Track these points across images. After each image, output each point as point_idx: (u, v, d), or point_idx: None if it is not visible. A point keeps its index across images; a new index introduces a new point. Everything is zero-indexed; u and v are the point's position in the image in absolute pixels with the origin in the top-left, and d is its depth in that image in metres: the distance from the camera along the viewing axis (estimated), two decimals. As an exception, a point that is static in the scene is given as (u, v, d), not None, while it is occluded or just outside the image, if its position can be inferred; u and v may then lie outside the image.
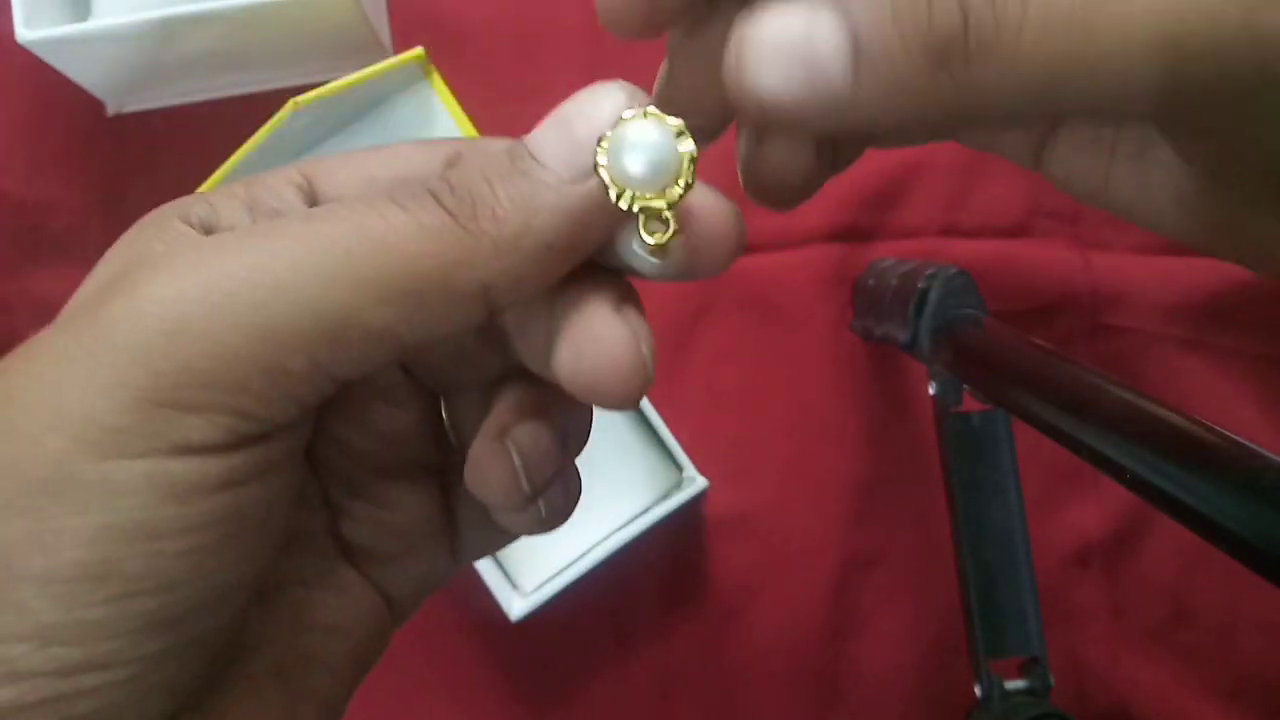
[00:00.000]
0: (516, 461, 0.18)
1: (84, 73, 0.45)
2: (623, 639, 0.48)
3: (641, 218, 0.16)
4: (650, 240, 0.16)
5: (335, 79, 0.41)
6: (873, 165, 0.49)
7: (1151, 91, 0.13)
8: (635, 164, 0.15)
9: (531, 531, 0.20)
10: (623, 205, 0.15)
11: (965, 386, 0.40)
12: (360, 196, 0.16)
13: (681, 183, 0.15)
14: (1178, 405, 0.27)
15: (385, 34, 0.49)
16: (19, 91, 0.48)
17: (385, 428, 0.20)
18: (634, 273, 0.17)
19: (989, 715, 0.38)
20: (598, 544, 0.43)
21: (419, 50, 0.42)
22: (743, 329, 0.49)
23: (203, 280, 0.14)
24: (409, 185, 0.16)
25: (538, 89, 0.49)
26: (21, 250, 0.48)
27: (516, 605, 0.41)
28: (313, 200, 0.18)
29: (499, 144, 0.17)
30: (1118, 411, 0.28)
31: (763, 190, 0.20)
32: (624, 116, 0.15)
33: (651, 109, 0.15)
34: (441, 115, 0.48)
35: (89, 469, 0.13)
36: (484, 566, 0.42)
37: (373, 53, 0.47)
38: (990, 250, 0.49)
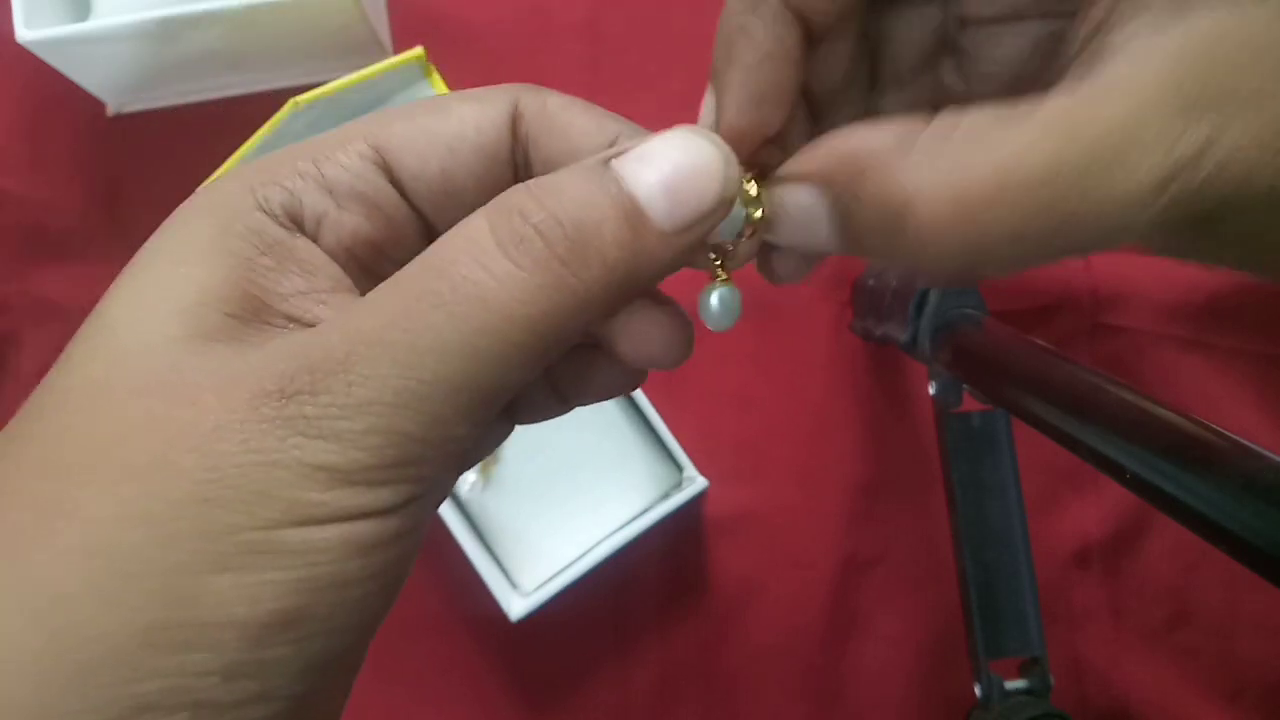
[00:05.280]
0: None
1: (84, 73, 0.45)
2: (623, 639, 0.48)
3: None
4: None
5: (335, 79, 0.41)
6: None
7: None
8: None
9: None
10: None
11: (965, 386, 0.40)
12: (470, 247, 0.16)
13: (746, 231, 0.19)
14: (1178, 405, 0.27)
15: (385, 34, 0.49)
16: (19, 91, 0.48)
17: None
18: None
19: (989, 715, 0.38)
20: (598, 544, 0.43)
21: (419, 50, 0.42)
22: (743, 329, 0.49)
23: (387, 381, 0.15)
24: (508, 214, 0.16)
25: (538, 89, 0.49)
26: (21, 250, 0.48)
27: (516, 605, 0.41)
28: (389, 174, 0.18)
29: (585, 162, 0.17)
30: (1118, 411, 0.28)
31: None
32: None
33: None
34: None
35: (292, 534, 0.14)
36: (484, 566, 0.42)
37: (373, 53, 0.47)
38: (990, 250, 0.49)
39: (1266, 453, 0.23)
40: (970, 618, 0.39)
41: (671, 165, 0.16)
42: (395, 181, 0.18)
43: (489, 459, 0.45)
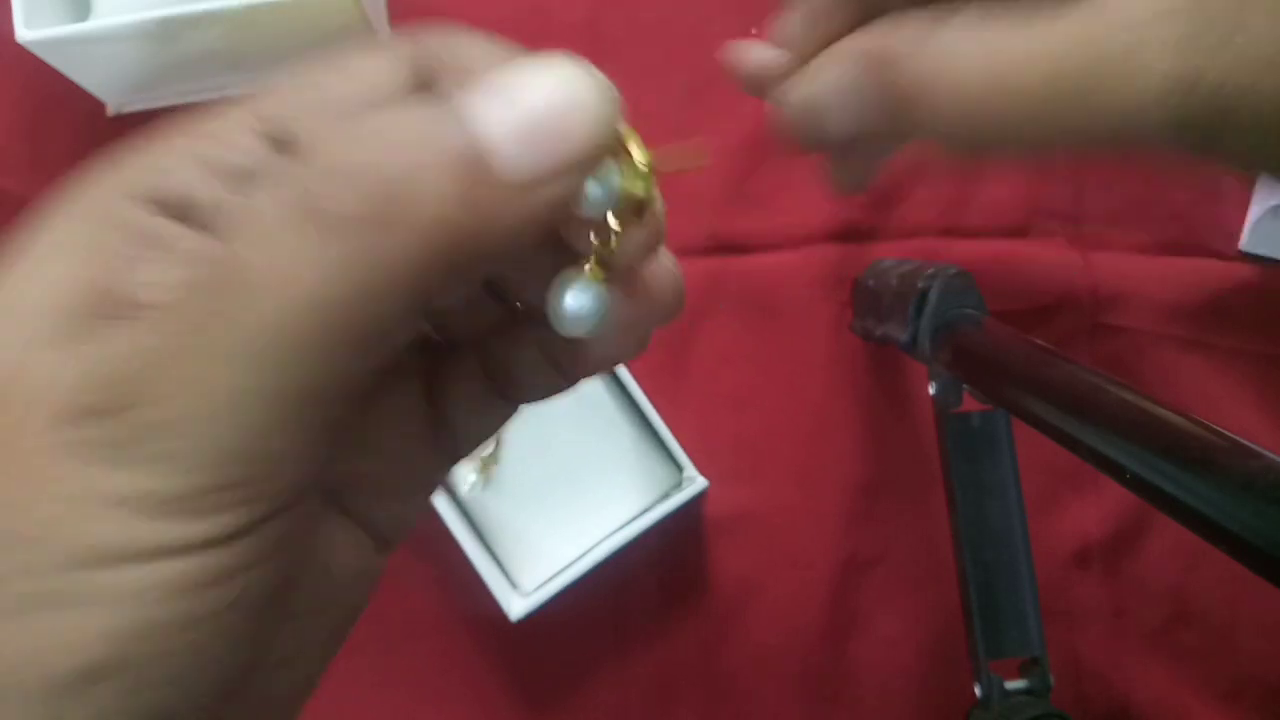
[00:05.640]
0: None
1: (84, 73, 0.45)
2: (623, 639, 0.48)
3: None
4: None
5: (335, 79, 0.41)
6: (873, 165, 0.49)
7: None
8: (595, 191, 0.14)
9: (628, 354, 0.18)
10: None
11: (965, 386, 0.40)
12: (252, 223, 0.13)
13: (629, 211, 0.15)
14: (1178, 405, 0.27)
15: (385, 34, 0.49)
16: (19, 91, 0.48)
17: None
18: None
19: (989, 715, 0.38)
20: (598, 544, 0.43)
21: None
22: (743, 329, 0.49)
23: (186, 396, 0.13)
24: (294, 176, 0.13)
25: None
26: (21, 250, 0.48)
27: (516, 605, 0.41)
28: (284, 148, 0.15)
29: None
30: (1118, 411, 0.28)
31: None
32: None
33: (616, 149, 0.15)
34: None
35: (90, 577, 0.12)
36: (484, 566, 0.42)
37: (373, 53, 0.47)
38: (990, 250, 0.49)
39: (1266, 453, 0.23)
40: (970, 618, 0.39)
41: (531, 98, 0.13)
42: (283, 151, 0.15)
43: (489, 459, 0.45)
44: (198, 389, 0.12)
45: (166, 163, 0.15)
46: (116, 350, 0.13)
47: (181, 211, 0.14)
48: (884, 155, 0.24)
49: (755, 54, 0.23)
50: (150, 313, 0.13)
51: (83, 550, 0.12)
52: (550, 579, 0.42)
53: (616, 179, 0.14)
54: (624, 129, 0.15)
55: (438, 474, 0.20)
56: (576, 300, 0.15)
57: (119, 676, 0.13)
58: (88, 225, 0.14)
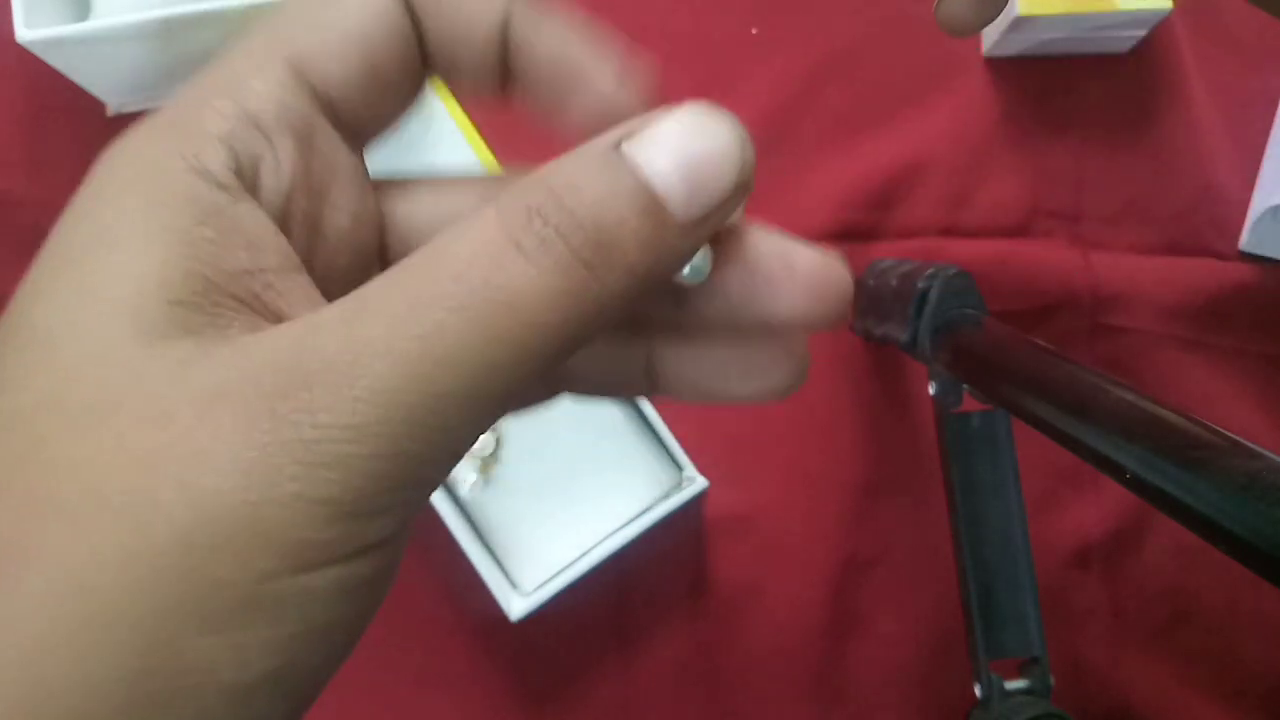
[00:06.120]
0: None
1: (84, 73, 0.45)
2: (623, 639, 0.48)
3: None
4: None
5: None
6: (873, 165, 0.49)
7: None
8: None
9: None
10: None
11: (965, 386, 0.40)
12: (487, 248, 0.14)
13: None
14: (1178, 405, 0.27)
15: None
16: (19, 91, 0.48)
17: None
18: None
19: (989, 715, 0.38)
20: (598, 544, 0.43)
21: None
22: (743, 329, 0.49)
23: (398, 396, 0.13)
24: (525, 214, 0.14)
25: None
26: (21, 250, 0.48)
27: (516, 605, 0.41)
28: (313, 95, 0.16)
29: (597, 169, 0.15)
30: (1118, 411, 0.28)
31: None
32: None
33: None
34: (442, 115, 0.48)
35: (289, 584, 0.13)
36: (484, 566, 0.42)
37: (373, 53, 0.47)
38: (990, 250, 0.49)
39: (1266, 453, 0.23)
40: (970, 618, 0.39)
41: (687, 147, 0.15)
42: (319, 97, 0.16)
43: (489, 459, 0.45)
44: (408, 390, 0.13)
45: (209, 122, 0.15)
46: (290, 348, 0.13)
47: (237, 176, 0.15)
48: None
49: None
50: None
51: (288, 555, 0.12)
52: (550, 579, 0.42)
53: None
54: None
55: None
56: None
57: (296, 679, 0.13)
58: (151, 204, 0.14)
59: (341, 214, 0.16)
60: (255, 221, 0.15)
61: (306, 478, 0.12)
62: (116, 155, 0.15)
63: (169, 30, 0.41)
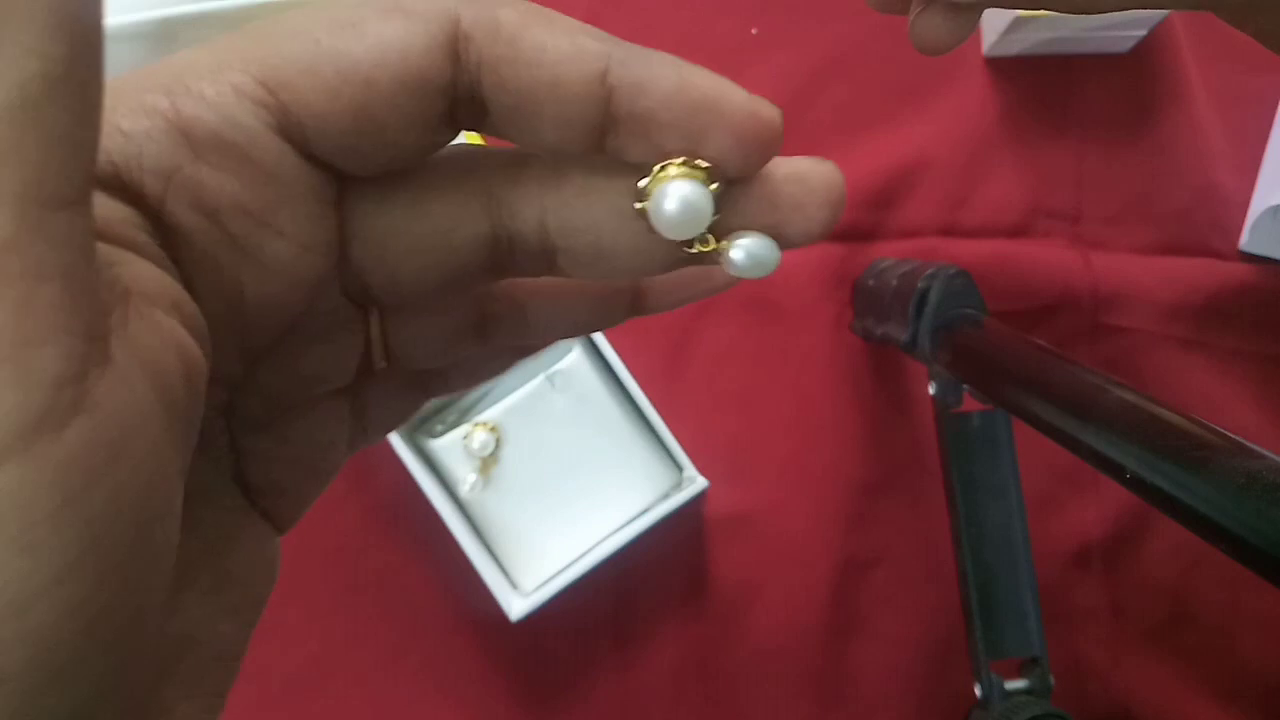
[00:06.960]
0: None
1: (84, 73, 0.45)
2: (623, 639, 0.48)
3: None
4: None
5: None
6: (873, 165, 0.49)
7: None
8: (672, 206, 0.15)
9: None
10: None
11: (965, 386, 0.40)
12: None
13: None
14: (1178, 405, 0.27)
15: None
16: (19, 91, 0.48)
17: (310, 371, 0.16)
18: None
19: (989, 715, 0.38)
20: (598, 544, 0.43)
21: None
22: (743, 329, 0.49)
23: None
24: None
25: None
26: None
27: (516, 605, 0.41)
28: (280, 114, 0.13)
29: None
30: (1118, 411, 0.28)
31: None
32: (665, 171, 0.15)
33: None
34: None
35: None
36: (484, 566, 0.42)
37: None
38: (990, 250, 0.49)
39: (1266, 453, 0.23)
40: (970, 618, 0.39)
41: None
42: (288, 124, 0.14)
43: (489, 459, 0.45)
44: None
45: (123, 113, 0.13)
46: None
47: (124, 181, 0.13)
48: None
49: None
50: None
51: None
52: (550, 579, 0.42)
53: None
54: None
55: (342, 461, 0.18)
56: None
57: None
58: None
59: (286, 243, 0.14)
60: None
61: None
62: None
63: (169, 30, 0.41)
